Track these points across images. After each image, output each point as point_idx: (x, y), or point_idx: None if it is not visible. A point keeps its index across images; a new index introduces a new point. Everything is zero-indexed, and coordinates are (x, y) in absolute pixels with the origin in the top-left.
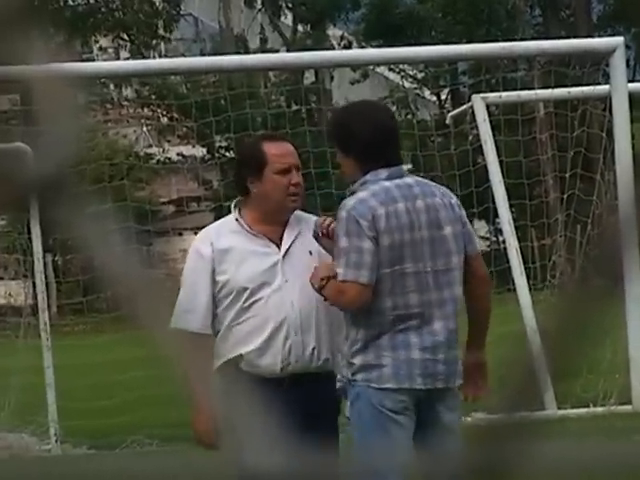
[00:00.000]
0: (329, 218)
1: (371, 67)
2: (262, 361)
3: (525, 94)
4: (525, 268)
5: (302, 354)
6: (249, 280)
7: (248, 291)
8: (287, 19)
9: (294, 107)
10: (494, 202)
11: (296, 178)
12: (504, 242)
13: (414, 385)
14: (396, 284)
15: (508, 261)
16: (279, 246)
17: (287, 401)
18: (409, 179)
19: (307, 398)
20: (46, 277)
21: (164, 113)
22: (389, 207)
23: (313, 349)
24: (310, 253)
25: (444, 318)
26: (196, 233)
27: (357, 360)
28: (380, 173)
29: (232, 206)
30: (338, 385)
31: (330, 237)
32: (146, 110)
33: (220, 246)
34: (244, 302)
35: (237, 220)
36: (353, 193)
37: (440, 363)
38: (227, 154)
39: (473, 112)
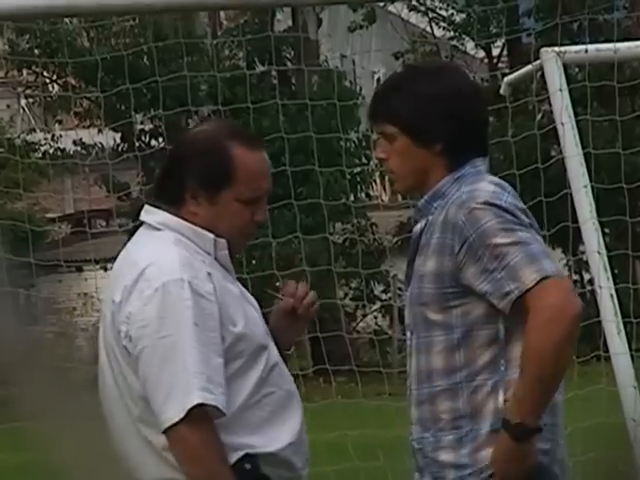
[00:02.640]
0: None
1: (381, 4)
2: (297, 461)
3: (625, 47)
4: (625, 323)
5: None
6: (264, 335)
7: (266, 352)
8: None
9: (259, 68)
10: (576, 219)
11: (263, 214)
12: (591, 282)
13: None
14: None
15: (598, 313)
16: None
17: None
18: None
19: None
20: None
21: (53, 78)
22: (520, 202)
23: None
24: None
25: None
26: (105, 269)
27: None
28: (477, 164)
29: (151, 219)
30: None
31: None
32: (25, 73)
33: (219, 281)
34: (264, 368)
35: (193, 241)
36: (438, 195)
37: None
38: (154, 142)
39: (543, 76)
